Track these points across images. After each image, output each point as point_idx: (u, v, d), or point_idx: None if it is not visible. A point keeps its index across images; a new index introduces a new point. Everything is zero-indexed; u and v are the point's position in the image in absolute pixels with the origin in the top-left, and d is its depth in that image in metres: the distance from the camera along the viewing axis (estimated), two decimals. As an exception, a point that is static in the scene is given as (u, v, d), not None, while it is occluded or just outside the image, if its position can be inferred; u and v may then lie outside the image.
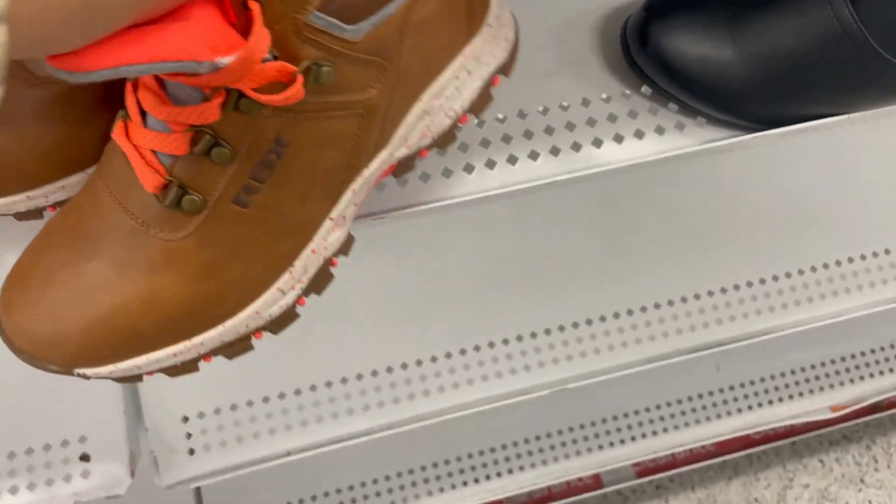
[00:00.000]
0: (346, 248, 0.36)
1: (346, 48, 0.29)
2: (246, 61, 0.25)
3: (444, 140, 0.37)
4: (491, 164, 0.45)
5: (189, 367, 0.34)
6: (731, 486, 1.01)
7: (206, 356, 0.34)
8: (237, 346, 0.35)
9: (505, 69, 0.38)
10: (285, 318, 0.35)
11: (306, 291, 0.35)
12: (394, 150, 0.35)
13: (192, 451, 0.63)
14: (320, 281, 0.36)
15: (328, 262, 0.36)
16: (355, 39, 0.29)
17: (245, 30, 0.26)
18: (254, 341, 0.35)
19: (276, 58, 0.27)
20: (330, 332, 0.66)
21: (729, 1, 0.42)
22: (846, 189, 0.74)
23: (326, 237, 0.34)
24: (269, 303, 0.34)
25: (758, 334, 0.72)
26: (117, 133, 0.31)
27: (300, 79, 0.27)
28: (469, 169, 0.45)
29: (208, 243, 0.31)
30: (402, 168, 0.37)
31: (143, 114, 0.30)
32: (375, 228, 0.45)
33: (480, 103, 0.37)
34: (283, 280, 0.34)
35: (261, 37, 0.25)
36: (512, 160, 0.45)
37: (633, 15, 0.44)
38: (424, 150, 0.37)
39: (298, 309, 0.36)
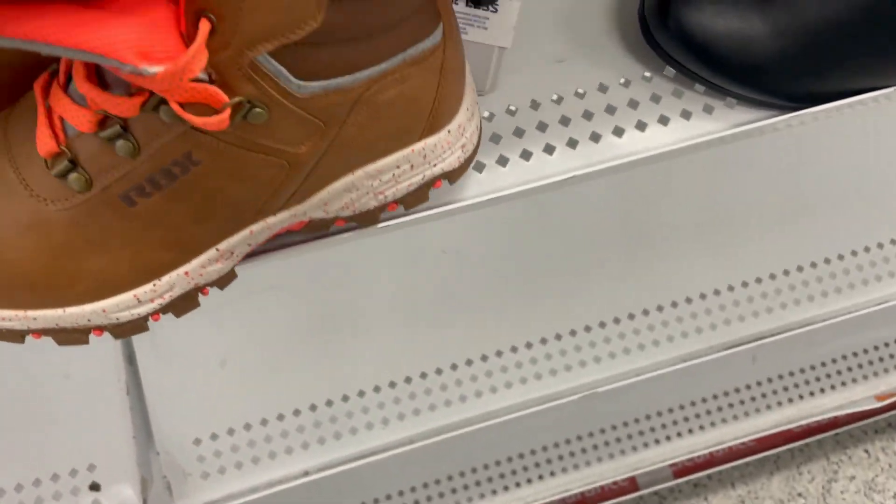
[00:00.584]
0: (223, 282, 0.35)
1: (288, 99, 0.28)
2: (172, 76, 0.24)
3: (364, 218, 0.36)
4: (503, 161, 0.41)
5: (13, 336, 0.33)
6: (772, 482, 0.97)
7: (36, 333, 0.33)
8: (72, 336, 0.34)
9: (451, 176, 0.37)
10: (132, 327, 0.34)
11: (164, 309, 0.34)
12: (309, 209, 0.34)
13: (206, 475, 0.60)
14: (184, 304, 0.35)
15: (198, 290, 0.35)
16: (300, 95, 0.28)
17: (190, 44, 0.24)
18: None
19: (212, 80, 0.26)
20: (344, 343, 0.63)
21: (756, -32, 0.38)
22: (885, 168, 0.69)
23: (207, 265, 0.33)
24: (120, 306, 0.33)
25: (796, 326, 0.68)
26: (39, 84, 0.30)
27: (228, 111, 0.26)
28: (479, 167, 0.41)
29: (80, 225, 0.30)
30: (312, 227, 0.36)
31: (70, 78, 0.29)
32: (386, 235, 0.42)
33: (414, 199, 0.37)
34: (145, 290, 0.33)
35: (196, 57, 0.24)
36: (526, 155, 0.41)
37: (651, -10, 0.41)
38: (341, 220, 0.36)
39: (151, 323, 0.35)
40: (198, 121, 0.26)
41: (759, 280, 0.67)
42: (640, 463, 0.83)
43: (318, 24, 0.25)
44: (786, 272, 0.68)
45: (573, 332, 0.65)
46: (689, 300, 0.67)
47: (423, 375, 0.63)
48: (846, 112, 0.42)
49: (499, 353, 0.65)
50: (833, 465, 0.98)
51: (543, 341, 0.65)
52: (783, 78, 0.39)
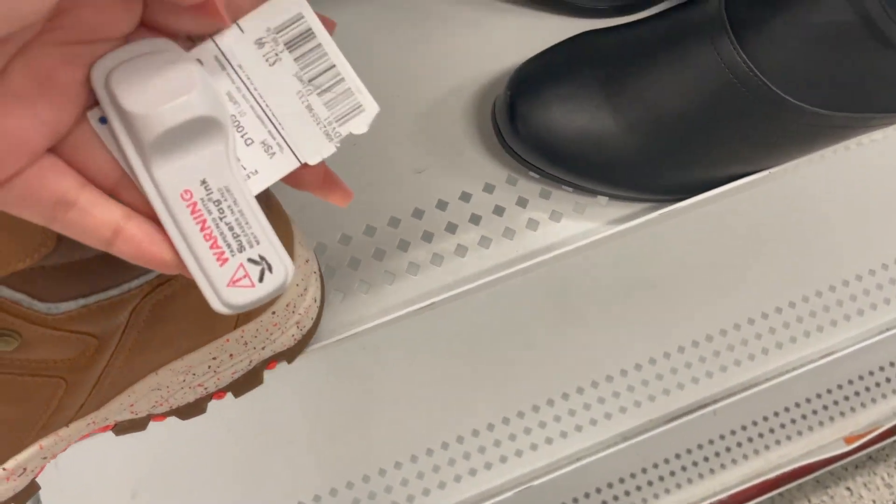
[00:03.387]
0: (23, 497, 0.32)
1: (39, 322, 0.25)
2: None
3: (185, 412, 0.34)
4: (364, 287, 0.38)
5: None
6: (755, 532, 0.93)
7: None
8: None
9: (288, 356, 0.34)
10: None
11: None
12: (111, 414, 0.31)
13: None
14: None
15: None
16: (54, 315, 0.25)
17: None
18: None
19: None
20: (261, 464, 0.60)
21: (599, 64, 0.36)
22: (813, 214, 0.67)
23: None
24: None
25: (750, 384, 0.65)
26: None
27: None
28: (338, 295, 0.38)
29: None
30: (124, 428, 0.33)
31: None
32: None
33: (244, 384, 0.34)
34: None
35: None
36: (388, 278, 0.39)
37: (500, 95, 0.38)
38: (160, 416, 0.33)
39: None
40: None
41: (695, 343, 0.64)
42: (608, 534, 0.79)
43: (51, 249, 0.22)
44: (722, 332, 0.65)
45: (521, 414, 0.62)
46: (623, 372, 0.63)
47: (349, 485, 0.60)
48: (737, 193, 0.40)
49: (429, 452, 0.61)
50: (816, 507, 0.94)
51: (476, 433, 0.62)
52: (645, 173, 0.37)
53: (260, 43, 0.21)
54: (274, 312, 0.31)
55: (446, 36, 0.42)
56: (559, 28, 0.42)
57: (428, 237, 0.39)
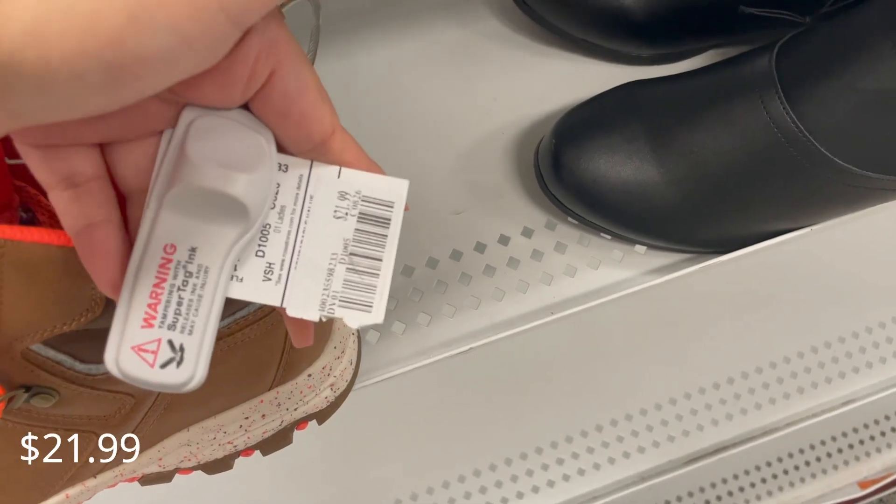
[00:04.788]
0: None
1: (78, 382, 0.25)
2: None
3: (215, 467, 0.33)
4: (400, 328, 0.38)
5: None
6: (763, 573, 0.92)
7: None
8: None
9: (318, 417, 0.33)
10: None
11: None
12: (139, 466, 0.31)
13: None
14: None
15: None
16: (92, 375, 0.25)
17: None
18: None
19: None
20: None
21: (645, 116, 0.36)
22: (830, 267, 0.66)
23: None
24: None
25: (769, 429, 0.65)
26: None
27: (2, 405, 0.23)
28: (373, 336, 0.38)
29: None
30: (151, 480, 0.33)
31: None
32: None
33: (273, 444, 0.33)
34: None
35: None
36: (425, 319, 0.39)
37: (543, 140, 0.38)
38: (187, 470, 0.33)
39: None
40: None
41: (716, 386, 0.64)
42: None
43: (98, 313, 0.22)
44: (744, 375, 0.64)
45: (539, 450, 0.62)
46: (643, 412, 0.63)
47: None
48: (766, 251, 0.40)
49: (445, 485, 0.61)
50: (825, 549, 0.93)
51: (492, 467, 0.62)
52: (686, 226, 0.37)
53: (343, 196, 0.21)
54: (310, 375, 0.31)
55: (489, 78, 0.42)
56: (601, 75, 0.42)
57: (466, 279, 0.39)
